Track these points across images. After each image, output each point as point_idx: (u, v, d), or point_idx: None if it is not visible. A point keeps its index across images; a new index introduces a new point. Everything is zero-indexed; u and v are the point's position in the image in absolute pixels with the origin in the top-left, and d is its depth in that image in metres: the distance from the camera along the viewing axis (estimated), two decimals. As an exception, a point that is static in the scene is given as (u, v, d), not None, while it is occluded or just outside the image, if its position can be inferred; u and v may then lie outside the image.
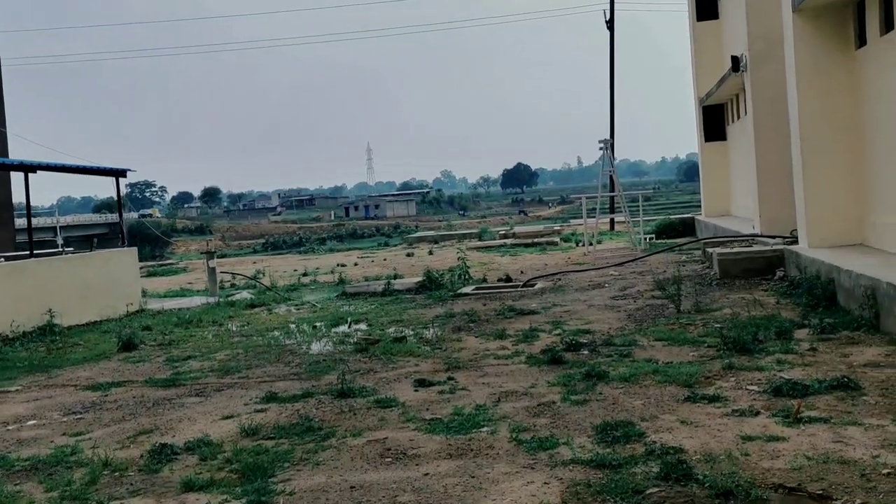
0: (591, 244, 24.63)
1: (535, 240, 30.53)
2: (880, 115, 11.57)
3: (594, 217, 26.67)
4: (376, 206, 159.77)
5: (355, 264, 28.23)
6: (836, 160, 12.56)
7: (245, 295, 18.81)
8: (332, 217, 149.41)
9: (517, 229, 40.80)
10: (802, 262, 12.01)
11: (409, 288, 16.41)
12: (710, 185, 26.86)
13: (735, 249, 13.92)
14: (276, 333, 12.66)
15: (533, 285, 15.50)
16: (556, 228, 38.83)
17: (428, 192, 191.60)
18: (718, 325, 9.70)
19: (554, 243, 28.95)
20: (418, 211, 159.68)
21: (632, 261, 17.59)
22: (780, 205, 16.69)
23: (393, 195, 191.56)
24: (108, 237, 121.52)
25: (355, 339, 11.01)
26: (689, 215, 30.56)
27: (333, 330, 12.55)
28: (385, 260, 28.87)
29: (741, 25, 21.65)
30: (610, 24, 36.21)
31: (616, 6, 36.49)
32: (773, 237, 16.18)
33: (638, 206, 25.45)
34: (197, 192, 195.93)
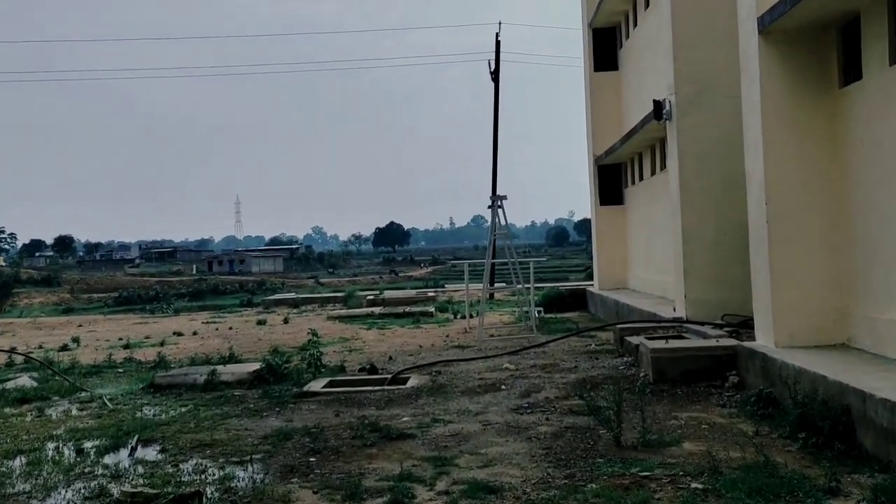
0: (471, 316, 21.08)
1: (408, 308, 26.78)
2: (879, 171, 8.54)
3: (479, 282, 23.23)
4: (241, 262, 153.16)
5: (194, 333, 23.66)
6: (811, 231, 9.46)
7: (25, 381, 14.09)
8: (194, 271, 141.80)
9: (388, 294, 36.98)
10: (774, 369, 8.71)
11: (242, 379, 12.26)
12: (605, 254, 23.95)
13: (671, 345, 10.54)
14: (16, 463, 8.32)
15: (404, 381, 11.68)
16: (430, 294, 35.22)
17: (297, 249, 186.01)
18: (699, 487, 6.14)
19: (429, 314, 25.27)
20: (286, 267, 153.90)
21: (529, 348, 14.04)
22: (709, 284, 13.62)
23: (260, 250, 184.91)
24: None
25: (118, 495, 6.80)
26: (579, 286, 27.58)
27: (104, 459, 8.32)
28: (231, 329, 24.43)
29: (652, 72, 18.95)
30: (495, 75, 33.51)
31: (502, 56, 33.88)
32: (703, 324, 13.03)
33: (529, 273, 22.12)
34: (51, 240, 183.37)
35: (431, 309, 26.41)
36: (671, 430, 8.10)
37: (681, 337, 12.15)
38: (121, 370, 15.06)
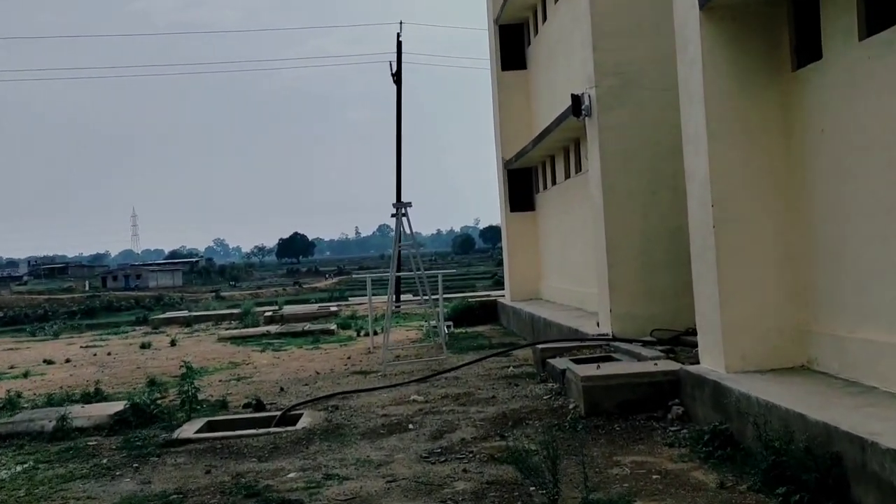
0: (375, 333, 19.39)
1: (307, 326, 24.85)
2: (848, 163, 7.29)
3: (383, 296, 21.55)
4: (138, 276, 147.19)
5: (67, 361, 21.17)
6: (766, 236, 8.16)
7: None
8: (87, 287, 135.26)
9: (288, 309, 34.86)
10: (730, 400, 7.35)
11: (101, 424, 10.24)
12: (517, 264, 22.62)
13: (604, 371, 9.07)
14: None
15: (295, 420, 9.90)
16: (333, 309, 33.28)
17: (197, 262, 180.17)
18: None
19: (330, 332, 23.43)
20: (186, 281, 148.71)
21: (440, 374, 12.44)
22: (637, 297, 12.31)
23: (158, 264, 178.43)
24: None
25: None
26: (489, 297, 26.18)
27: None
28: (109, 355, 22.03)
29: (565, 69, 17.70)
30: (397, 77, 31.93)
31: (406, 58, 32.32)
32: (632, 341, 11.70)
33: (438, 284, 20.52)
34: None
35: (333, 326, 24.58)
36: (616, 482, 6.61)
37: (610, 358, 10.75)
38: (-40, 413, 12.73)
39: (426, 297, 16.43)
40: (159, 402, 11.85)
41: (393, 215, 15.44)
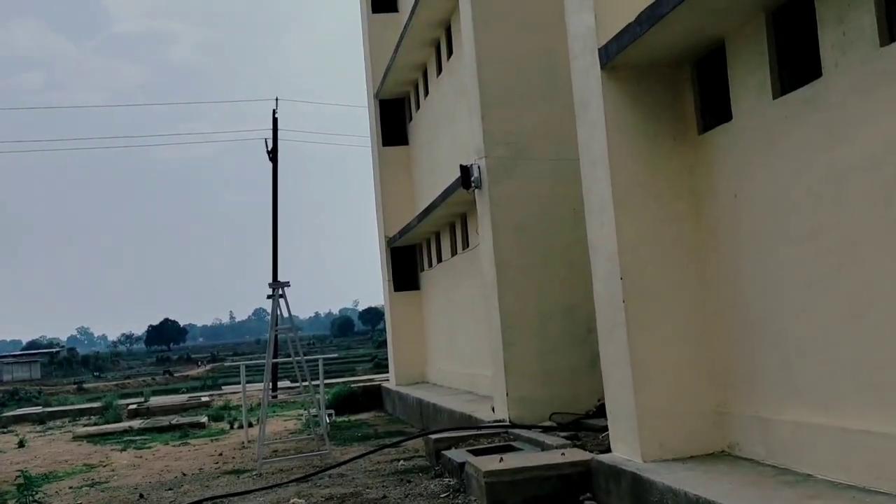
0: (251, 425, 17.87)
1: (175, 420, 22.91)
2: (766, 228, 6.79)
3: (259, 383, 20.02)
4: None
5: None
6: (680, 310, 7.55)
7: None
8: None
9: (154, 401, 32.47)
10: (653, 495, 6.55)
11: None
12: (402, 346, 21.63)
13: (507, 464, 8.12)
14: None
15: (156, 535, 8.51)
16: (204, 399, 31.18)
17: (58, 352, 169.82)
18: None
19: (200, 425, 21.62)
20: (45, 373, 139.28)
21: (324, 471, 11.18)
22: (534, 379, 11.52)
23: (13, 356, 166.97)
24: None
25: None
26: (372, 382, 24.97)
27: None
28: (-56, 459, 19.48)
29: (449, 143, 17.22)
30: (272, 154, 30.90)
31: (280, 134, 31.38)
32: (531, 427, 10.87)
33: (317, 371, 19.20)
34: None
35: (204, 419, 22.73)
36: None
37: (511, 448, 9.85)
38: None
39: (305, 384, 15.16)
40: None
41: (269, 296, 14.26)
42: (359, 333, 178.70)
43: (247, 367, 20.10)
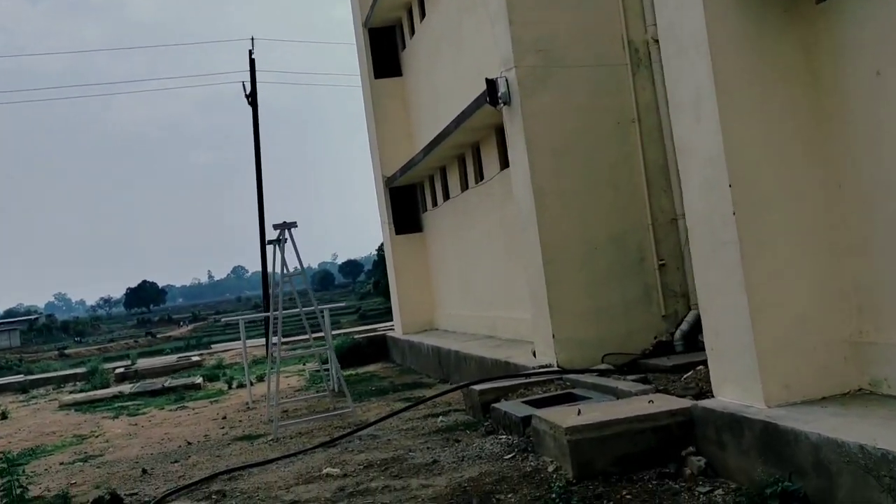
0: (251, 383, 16.52)
1: (168, 382, 21.50)
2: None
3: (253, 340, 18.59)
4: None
5: None
6: (803, 222, 6.15)
7: None
8: None
9: (142, 363, 31.05)
10: (805, 449, 5.25)
11: None
12: (407, 292, 20.27)
13: (590, 418, 6.76)
14: None
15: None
16: (194, 359, 29.76)
17: (37, 319, 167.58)
18: None
19: (196, 386, 20.24)
20: (24, 341, 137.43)
21: (353, 433, 9.82)
22: (583, 318, 10.18)
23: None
24: None
25: None
26: (375, 332, 23.64)
27: None
28: (-79, 436, 18.02)
29: (451, 68, 15.66)
30: (251, 98, 29.07)
31: (258, 76, 29.49)
32: (584, 371, 9.58)
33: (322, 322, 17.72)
34: None
35: (199, 379, 21.34)
36: None
37: (573, 396, 8.52)
38: None
39: (317, 336, 13.86)
40: (-27, 506, 8.75)
41: (271, 242, 12.80)
42: (339, 286, 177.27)
43: (235, 323, 18.69)
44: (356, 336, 22.44)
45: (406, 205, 20.35)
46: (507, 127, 10.81)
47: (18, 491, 7.70)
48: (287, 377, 19.67)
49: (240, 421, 13.20)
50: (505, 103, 10.52)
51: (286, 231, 11.32)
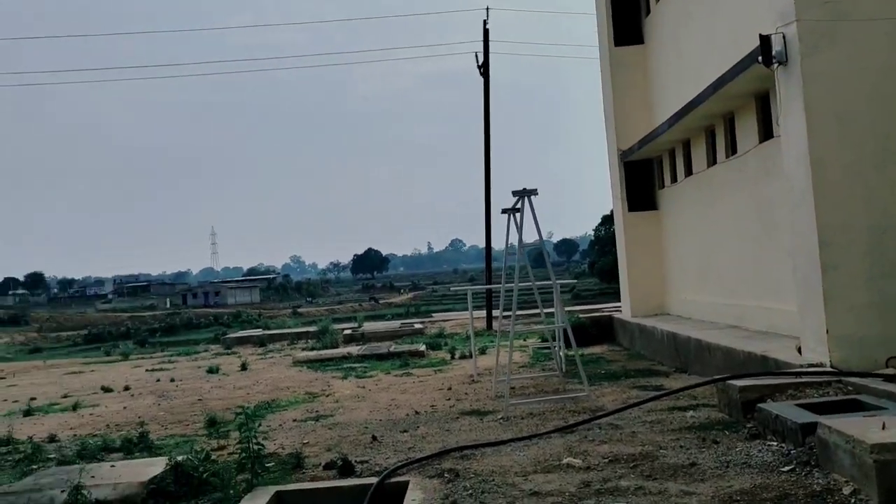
0: (473, 355, 16.22)
1: (393, 347, 21.84)
2: None
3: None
4: (217, 294, 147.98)
5: (126, 388, 18.62)
6: None
7: None
8: (168, 305, 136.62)
9: (368, 326, 32.04)
10: None
11: (130, 496, 7.31)
12: (637, 273, 19.20)
13: None
14: None
15: (398, 495, 6.81)
16: (417, 326, 30.30)
17: (274, 279, 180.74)
18: None
19: (419, 353, 20.38)
20: (263, 298, 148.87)
21: (592, 420, 9.13)
22: (863, 312, 8.84)
23: (236, 282, 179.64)
24: None
25: None
26: (601, 313, 22.76)
27: None
28: (172, 382, 19.39)
29: (706, 33, 14.36)
30: (484, 68, 28.85)
31: (492, 47, 29.25)
32: (864, 375, 8.27)
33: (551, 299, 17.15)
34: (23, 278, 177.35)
35: (422, 346, 21.51)
36: None
37: (860, 404, 7.29)
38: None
39: (548, 311, 13.28)
40: (214, 457, 8.93)
41: (504, 211, 12.29)
42: (554, 265, 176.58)
43: (454, 294, 18.46)
44: (581, 317, 21.64)
45: (641, 181, 19.24)
46: (780, 90, 9.56)
47: (255, 447, 7.66)
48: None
49: (465, 394, 12.89)
50: (780, 63, 9.29)
51: (525, 199, 10.73)
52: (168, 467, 7.73)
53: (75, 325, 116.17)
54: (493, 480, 6.92)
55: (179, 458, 7.92)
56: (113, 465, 8.35)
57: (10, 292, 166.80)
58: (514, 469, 7.27)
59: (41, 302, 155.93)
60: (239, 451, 7.82)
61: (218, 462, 8.65)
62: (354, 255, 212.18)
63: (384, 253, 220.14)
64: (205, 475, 7.71)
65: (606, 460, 7.23)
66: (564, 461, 7.28)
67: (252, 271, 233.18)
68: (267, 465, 8.35)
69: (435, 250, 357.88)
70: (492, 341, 23.44)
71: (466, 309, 18.33)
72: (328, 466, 8.10)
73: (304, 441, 9.70)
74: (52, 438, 11.63)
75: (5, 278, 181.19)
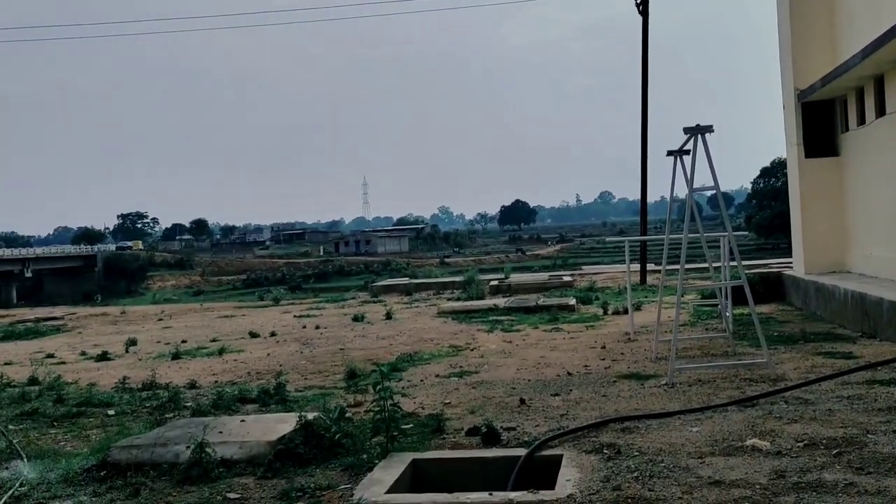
0: (630, 311, 15.00)
1: (541, 300, 20.89)
2: None
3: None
4: (367, 242, 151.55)
5: (272, 334, 18.68)
6: None
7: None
8: (321, 252, 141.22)
9: (514, 278, 31.21)
10: None
11: (256, 455, 6.73)
12: (813, 226, 17.33)
13: None
14: None
15: (551, 471, 5.91)
16: (566, 279, 29.17)
17: (423, 228, 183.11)
18: None
19: (569, 307, 19.34)
20: (411, 247, 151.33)
21: (774, 394, 7.88)
22: None
23: (385, 231, 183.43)
24: (82, 270, 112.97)
25: None
26: (770, 269, 20.94)
27: None
28: (317, 329, 19.29)
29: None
30: (642, 6, 26.93)
31: (652, -17, 27.22)
32: None
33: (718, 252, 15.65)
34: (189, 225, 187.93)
35: (571, 300, 20.45)
36: None
37: None
38: (111, 412, 9.87)
39: (717, 265, 11.97)
40: (350, 414, 8.33)
41: (671, 153, 10.98)
42: (707, 218, 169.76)
43: (603, 247, 17.21)
44: (748, 272, 19.90)
45: (821, 124, 17.24)
46: None
47: (391, 408, 6.94)
48: (666, 308, 17.95)
49: (622, 354, 11.82)
50: None
51: (699, 137, 9.40)
52: (298, 425, 7.13)
53: (235, 269, 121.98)
54: (662, 461, 5.90)
55: (311, 415, 7.31)
56: (243, 420, 7.86)
57: (178, 238, 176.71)
58: (687, 448, 6.21)
59: (205, 247, 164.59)
60: (375, 409, 7.11)
61: (353, 420, 8.05)
62: (502, 207, 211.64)
63: (532, 204, 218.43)
64: (337, 436, 7.07)
65: (801, 444, 6.04)
66: (748, 443, 6.14)
67: (402, 221, 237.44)
68: (404, 426, 7.65)
69: (583, 202, 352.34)
70: (647, 296, 22.08)
71: (616, 262, 17.20)
72: (471, 433, 7.29)
73: (446, 401, 8.96)
74: (192, 384, 11.47)
75: (173, 224, 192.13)
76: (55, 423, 9.31)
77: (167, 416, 9.05)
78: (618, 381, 9.50)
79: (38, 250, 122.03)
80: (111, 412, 9.78)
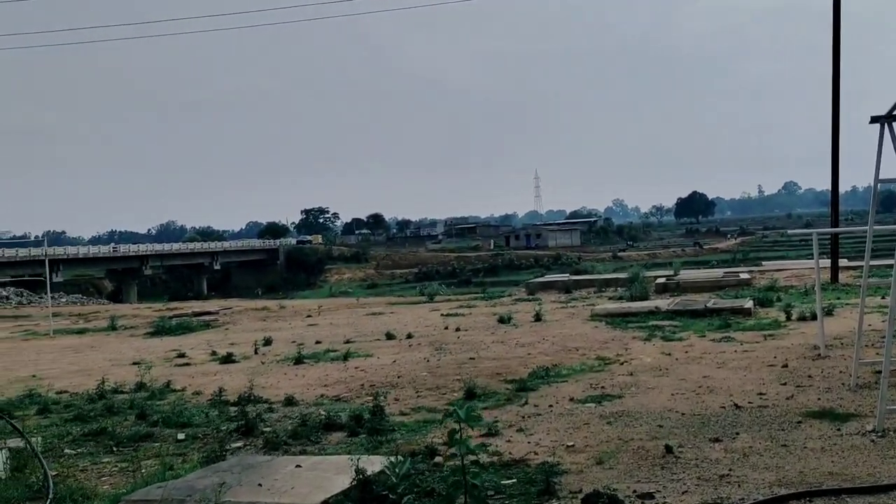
0: (820, 318, 12.22)
1: (711, 302, 18.17)
2: None
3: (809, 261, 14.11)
4: (538, 236, 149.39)
5: (409, 337, 17.12)
6: None
7: None
8: (492, 246, 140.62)
9: (684, 274, 28.30)
10: None
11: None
12: None
13: None
14: None
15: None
16: (743, 276, 25.98)
17: (595, 222, 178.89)
18: None
19: (745, 311, 16.56)
20: (584, 241, 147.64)
21: None
22: None
23: (557, 224, 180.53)
24: (265, 263, 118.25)
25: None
26: None
27: None
28: (458, 331, 17.57)
29: None
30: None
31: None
32: None
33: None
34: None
35: (748, 302, 17.63)
36: None
37: None
38: (182, 436, 8.50)
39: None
40: (441, 458, 6.48)
41: (875, 119, 8.36)
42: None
43: (789, 240, 14.32)
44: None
45: None
46: None
47: (470, 462, 5.03)
48: (867, 313, 14.90)
49: (809, 377, 9.30)
50: None
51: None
52: (355, 481, 5.35)
53: (408, 263, 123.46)
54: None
55: (376, 468, 5.52)
56: (299, 465, 6.17)
57: (356, 232, 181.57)
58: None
59: (380, 241, 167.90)
60: (455, 469, 5.19)
61: (442, 468, 6.20)
62: (678, 199, 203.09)
63: (710, 196, 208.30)
64: (406, 497, 5.24)
65: None
66: None
67: (574, 214, 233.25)
68: (505, 482, 5.72)
69: (766, 194, 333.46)
70: (839, 298, 18.88)
71: (802, 257, 14.33)
72: (588, 502, 5.25)
73: (569, 443, 6.91)
74: (289, 400, 10.01)
75: (352, 219, 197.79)
76: (115, 449, 8.05)
77: (230, 446, 7.54)
78: (804, 421, 7.10)
79: (226, 244, 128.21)
80: (181, 436, 8.42)
